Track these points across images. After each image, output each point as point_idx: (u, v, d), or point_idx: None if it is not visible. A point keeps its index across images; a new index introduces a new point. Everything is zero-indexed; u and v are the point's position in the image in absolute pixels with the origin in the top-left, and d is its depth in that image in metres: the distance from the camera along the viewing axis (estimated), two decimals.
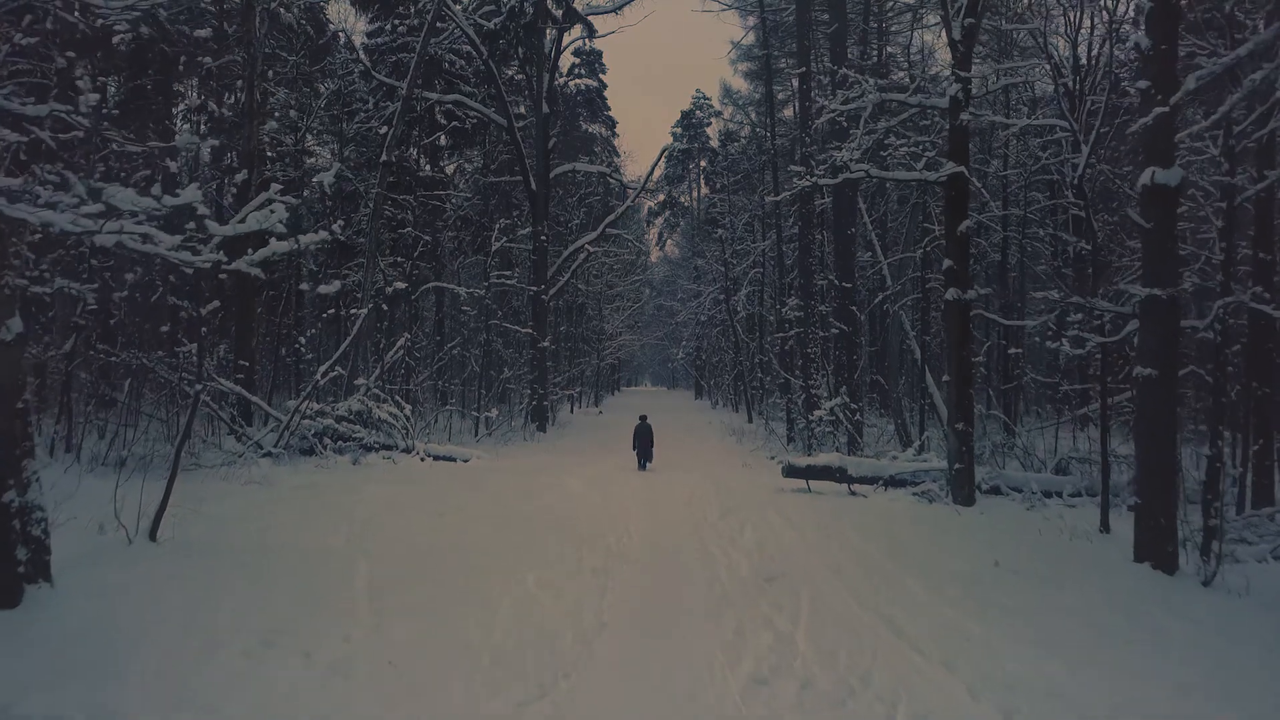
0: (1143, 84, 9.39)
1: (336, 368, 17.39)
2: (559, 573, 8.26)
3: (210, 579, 7.53)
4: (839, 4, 22.85)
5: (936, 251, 21.61)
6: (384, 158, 20.57)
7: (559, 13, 27.21)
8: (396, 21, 26.78)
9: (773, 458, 20.39)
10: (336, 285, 17.14)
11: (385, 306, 22.80)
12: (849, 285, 22.03)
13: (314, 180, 16.62)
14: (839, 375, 22.07)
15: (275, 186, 8.39)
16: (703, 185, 59.14)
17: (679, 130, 58.35)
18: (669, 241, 68.75)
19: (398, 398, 18.99)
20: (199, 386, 8.24)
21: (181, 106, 25.03)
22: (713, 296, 43.07)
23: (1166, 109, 8.15)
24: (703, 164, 57.52)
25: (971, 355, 14.64)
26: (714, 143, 52.31)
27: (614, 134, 51.19)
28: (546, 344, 27.05)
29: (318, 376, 16.57)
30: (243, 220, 5.70)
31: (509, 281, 28.68)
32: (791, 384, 25.29)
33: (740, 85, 43.56)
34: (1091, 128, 12.24)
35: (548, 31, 27.58)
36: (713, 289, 42.98)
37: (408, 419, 18.09)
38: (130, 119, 19.58)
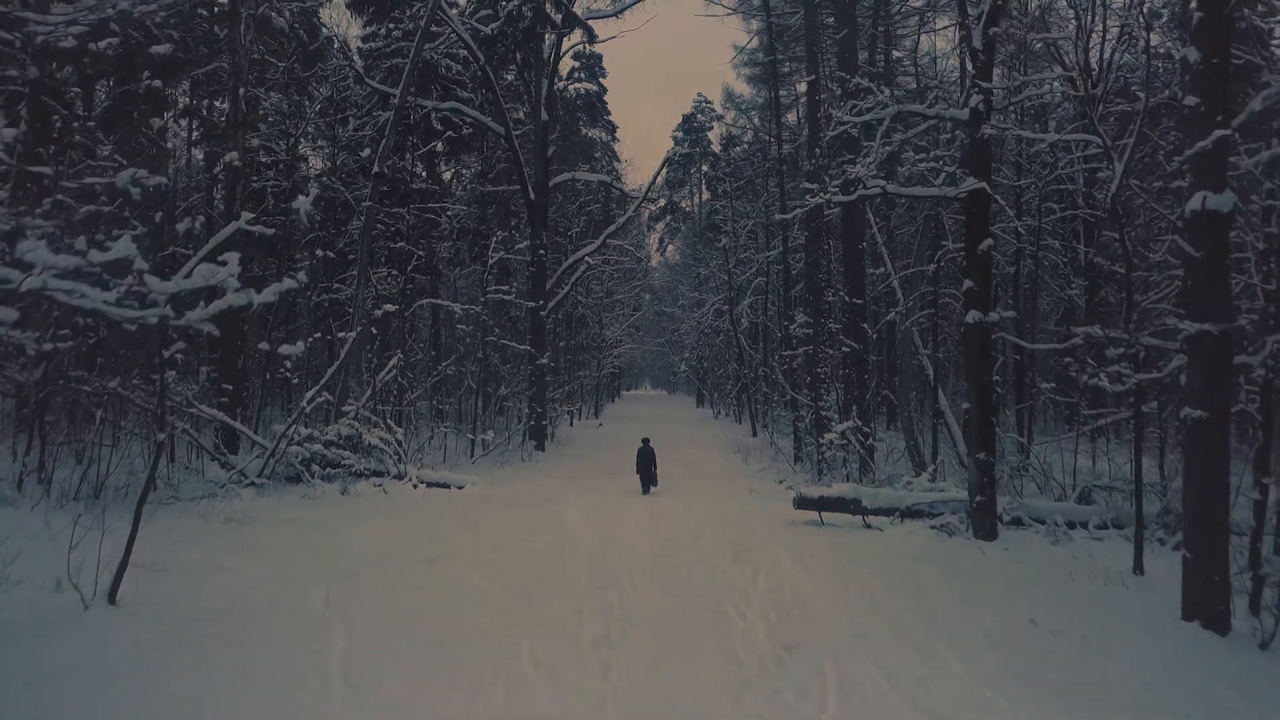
0: (1191, 100, 8.61)
1: (324, 393, 16.60)
2: (557, 645, 7.48)
3: (168, 655, 6.77)
4: (847, 9, 22.04)
5: (949, 265, 20.84)
6: (376, 169, 19.80)
7: (558, 17, 26.43)
8: (392, 25, 26.00)
9: (780, 481, 19.63)
10: (300, 347, 16.35)
11: (375, 330, 22.02)
12: (859, 301, 21.24)
13: (293, 206, 15.84)
14: (849, 394, 21.27)
15: (247, 216, 7.66)
16: (704, 190, 58.40)
17: (680, 134, 57.70)
18: (670, 247, 68.02)
19: (389, 421, 18.22)
20: (161, 436, 7.47)
21: (171, 113, 24.32)
22: (715, 307, 42.25)
23: (1228, 132, 7.36)
24: (704, 169, 56.81)
25: (992, 380, 13.89)
26: (716, 147, 51.59)
27: (614, 139, 50.49)
28: (545, 360, 26.20)
29: (304, 403, 15.80)
30: (189, 275, 4.95)
31: (507, 295, 27.84)
32: (799, 402, 24.50)
33: (743, 89, 42.88)
34: (1108, 134, 11.47)
35: (547, 36, 26.78)
36: (715, 298, 42.15)
37: (399, 443, 17.30)
38: (119, 125, 18.85)
